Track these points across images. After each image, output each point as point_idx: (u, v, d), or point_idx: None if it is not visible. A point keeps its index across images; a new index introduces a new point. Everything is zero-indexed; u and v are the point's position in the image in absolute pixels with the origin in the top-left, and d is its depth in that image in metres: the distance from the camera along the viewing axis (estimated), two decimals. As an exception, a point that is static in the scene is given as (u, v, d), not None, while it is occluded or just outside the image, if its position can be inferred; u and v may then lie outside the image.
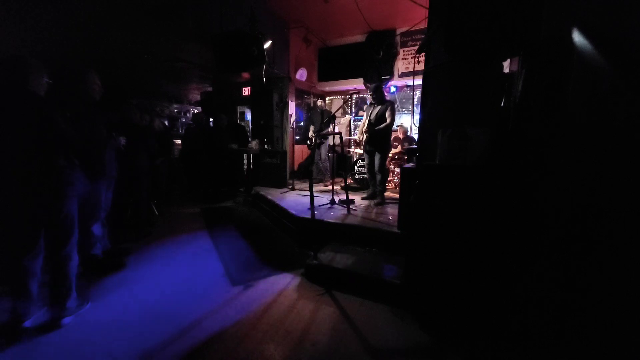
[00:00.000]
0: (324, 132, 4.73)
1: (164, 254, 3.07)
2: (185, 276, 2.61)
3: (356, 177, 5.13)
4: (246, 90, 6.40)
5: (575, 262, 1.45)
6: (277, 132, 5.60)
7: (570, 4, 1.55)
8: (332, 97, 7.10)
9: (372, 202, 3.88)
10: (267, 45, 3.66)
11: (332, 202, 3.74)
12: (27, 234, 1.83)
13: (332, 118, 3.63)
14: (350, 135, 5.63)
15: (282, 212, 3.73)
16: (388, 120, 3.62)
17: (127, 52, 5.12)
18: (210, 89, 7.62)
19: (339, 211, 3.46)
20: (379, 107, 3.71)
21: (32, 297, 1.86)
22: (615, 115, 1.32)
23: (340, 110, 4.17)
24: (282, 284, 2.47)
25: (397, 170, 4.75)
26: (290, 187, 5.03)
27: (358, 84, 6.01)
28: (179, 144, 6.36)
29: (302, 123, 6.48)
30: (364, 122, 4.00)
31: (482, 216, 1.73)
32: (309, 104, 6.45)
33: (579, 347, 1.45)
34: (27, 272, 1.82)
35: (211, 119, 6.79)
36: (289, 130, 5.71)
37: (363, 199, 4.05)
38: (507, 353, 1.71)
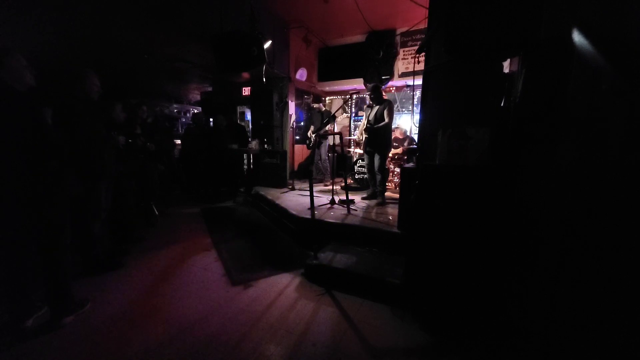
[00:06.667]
0: (323, 131, 4.72)
1: (163, 254, 3.07)
2: (185, 276, 2.61)
3: (356, 177, 5.13)
4: (246, 90, 6.40)
5: (576, 262, 1.45)
6: (277, 132, 5.60)
7: (570, 4, 1.55)
8: (332, 97, 7.10)
9: (372, 202, 3.88)
10: (267, 45, 3.66)
11: (332, 202, 3.73)
12: (17, 235, 1.79)
13: (332, 118, 3.63)
14: (350, 135, 5.64)
15: (282, 212, 3.73)
16: (386, 120, 3.62)
17: (127, 52, 5.12)
18: (210, 89, 7.62)
19: (339, 211, 3.45)
20: (377, 107, 3.72)
21: (27, 298, 1.85)
22: (615, 115, 1.32)
23: (340, 110, 4.17)
24: (282, 284, 2.47)
25: (397, 170, 4.74)
26: (290, 187, 5.02)
27: (358, 84, 6.00)
28: (179, 144, 6.36)
29: (302, 123, 6.48)
30: (363, 122, 4.01)
31: (482, 216, 1.73)
32: (308, 104, 6.45)
33: (578, 347, 1.45)
34: (19, 273, 1.81)
35: (211, 119, 6.80)
36: (289, 130, 5.71)
37: (363, 199, 4.05)
38: (507, 353, 1.71)
